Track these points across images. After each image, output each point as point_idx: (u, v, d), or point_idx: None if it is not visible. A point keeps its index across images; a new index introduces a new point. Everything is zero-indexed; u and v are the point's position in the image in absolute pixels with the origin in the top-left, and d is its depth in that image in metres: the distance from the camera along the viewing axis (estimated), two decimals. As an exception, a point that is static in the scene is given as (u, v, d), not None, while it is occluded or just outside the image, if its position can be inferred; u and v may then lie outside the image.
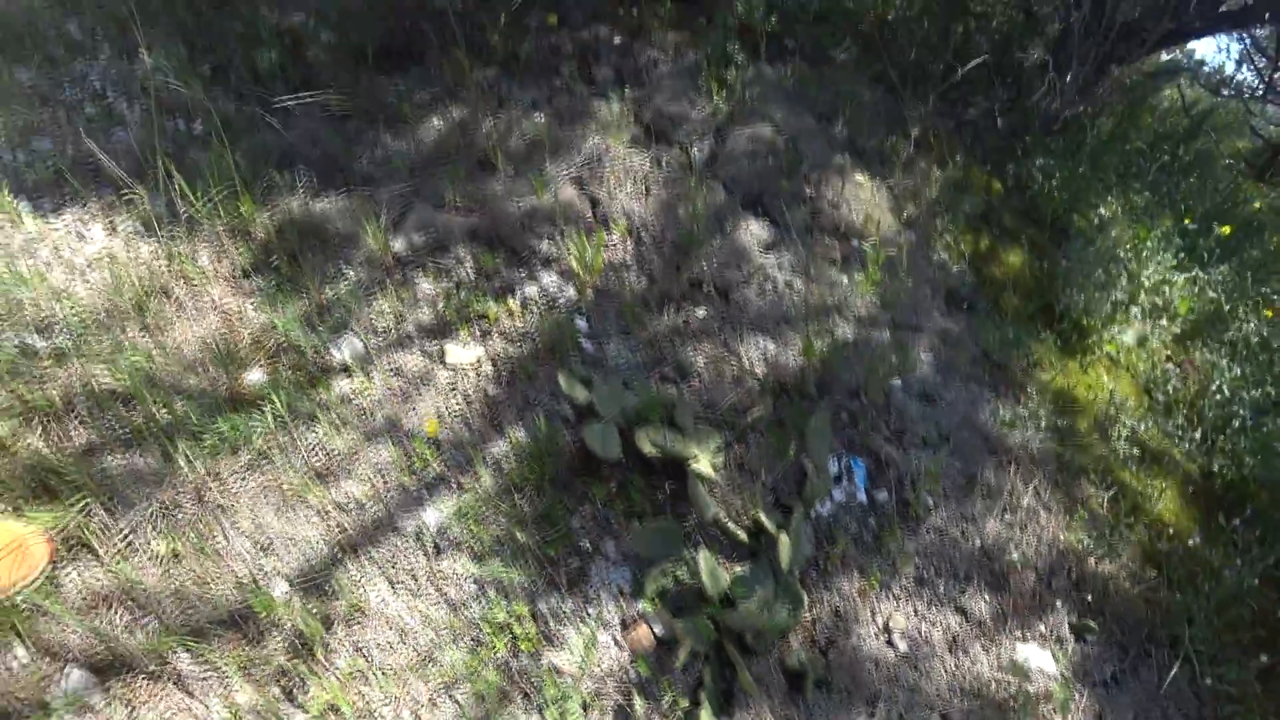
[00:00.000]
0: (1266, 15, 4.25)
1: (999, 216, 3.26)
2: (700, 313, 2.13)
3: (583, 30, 3.25)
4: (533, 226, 2.24)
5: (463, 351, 2.04)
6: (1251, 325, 3.19)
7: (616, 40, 3.21)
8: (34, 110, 2.73)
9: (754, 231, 2.38)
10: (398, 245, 2.29)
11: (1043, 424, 2.39)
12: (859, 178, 2.85)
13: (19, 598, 1.52)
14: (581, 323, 2.08)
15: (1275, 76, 5.86)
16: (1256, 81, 6.16)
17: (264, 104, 2.85)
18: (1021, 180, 3.58)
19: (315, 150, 2.55)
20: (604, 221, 2.31)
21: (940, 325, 2.51)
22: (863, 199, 2.76)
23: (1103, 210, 3.40)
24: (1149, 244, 3.14)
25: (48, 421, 1.82)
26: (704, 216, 2.34)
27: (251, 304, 2.18)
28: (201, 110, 2.72)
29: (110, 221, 2.32)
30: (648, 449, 1.78)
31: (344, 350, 2.09)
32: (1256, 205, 4.10)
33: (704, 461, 1.80)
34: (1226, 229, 3.30)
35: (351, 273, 2.24)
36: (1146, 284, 3.09)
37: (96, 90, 2.84)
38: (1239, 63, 6.62)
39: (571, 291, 2.12)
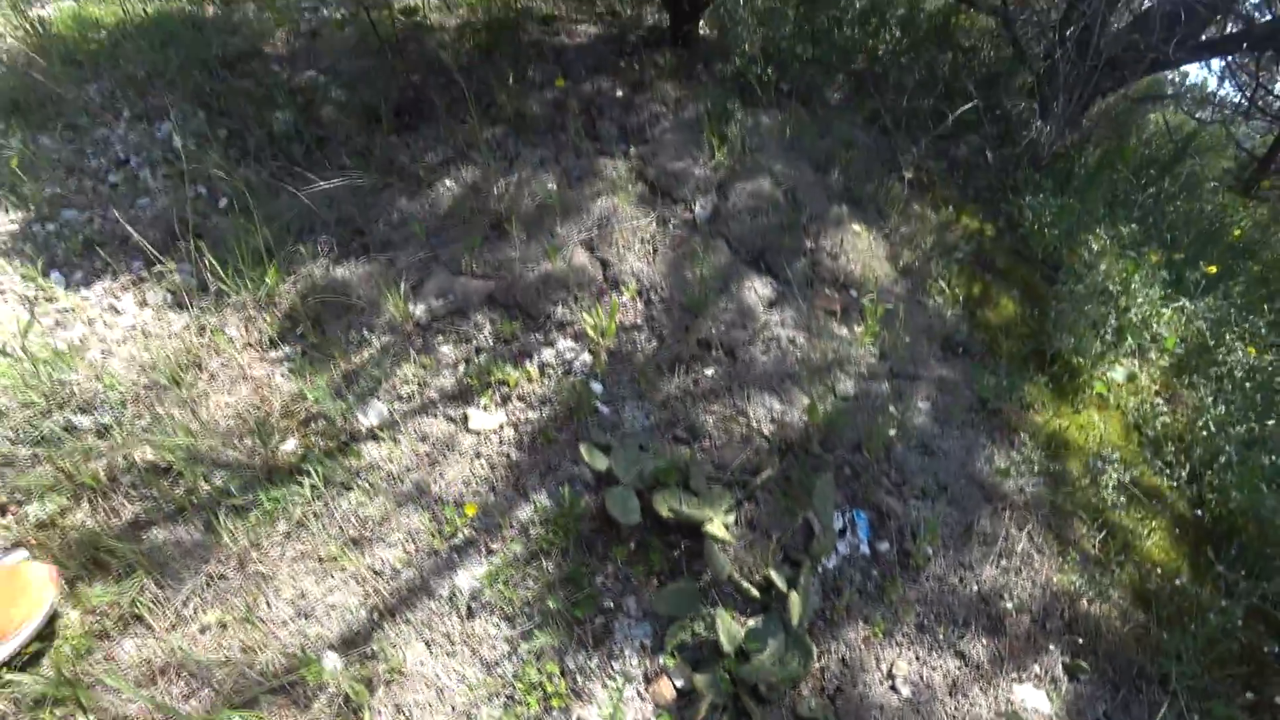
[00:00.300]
0: (1244, 44, 4.41)
1: (992, 258, 3.39)
2: (709, 373, 2.25)
3: (585, 84, 3.37)
4: (547, 292, 2.35)
5: (485, 417, 2.15)
6: (1238, 354, 3.32)
7: (619, 94, 3.33)
8: (60, 180, 2.84)
9: (757, 289, 2.49)
10: (418, 311, 2.40)
11: (1036, 469, 2.51)
12: (856, 227, 2.97)
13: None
14: (597, 386, 2.19)
15: (1258, 93, 6.02)
16: (1239, 97, 6.33)
17: (282, 168, 2.97)
18: (1013, 219, 3.71)
19: (334, 215, 2.66)
20: (615, 284, 2.43)
21: (937, 373, 2.63)
22: (860, 249, 2.88)
23: (1092, 243, 3.53)
24: (1137, 278, 3.28)
25: (95, 497, 1.93)
26: (710, 276, 2.45)
27: (281, 372, 2.28)
28: (221, 177, 2.83)
29: (141, 293, 2.43)
30: (665, 513, 1.89)
31: (371, 416, 2.20)
32: (1237, 233, 4.24)
33: (717, 523, 1.92)
34: (1212, 268, 3.43)
35: (375, 339, 2.35)
36: (1135, 319, 3.22)
37: (119, 158, 2.95)
38: (1221, 79, 6.80)
39: (586, 356, 2.23)
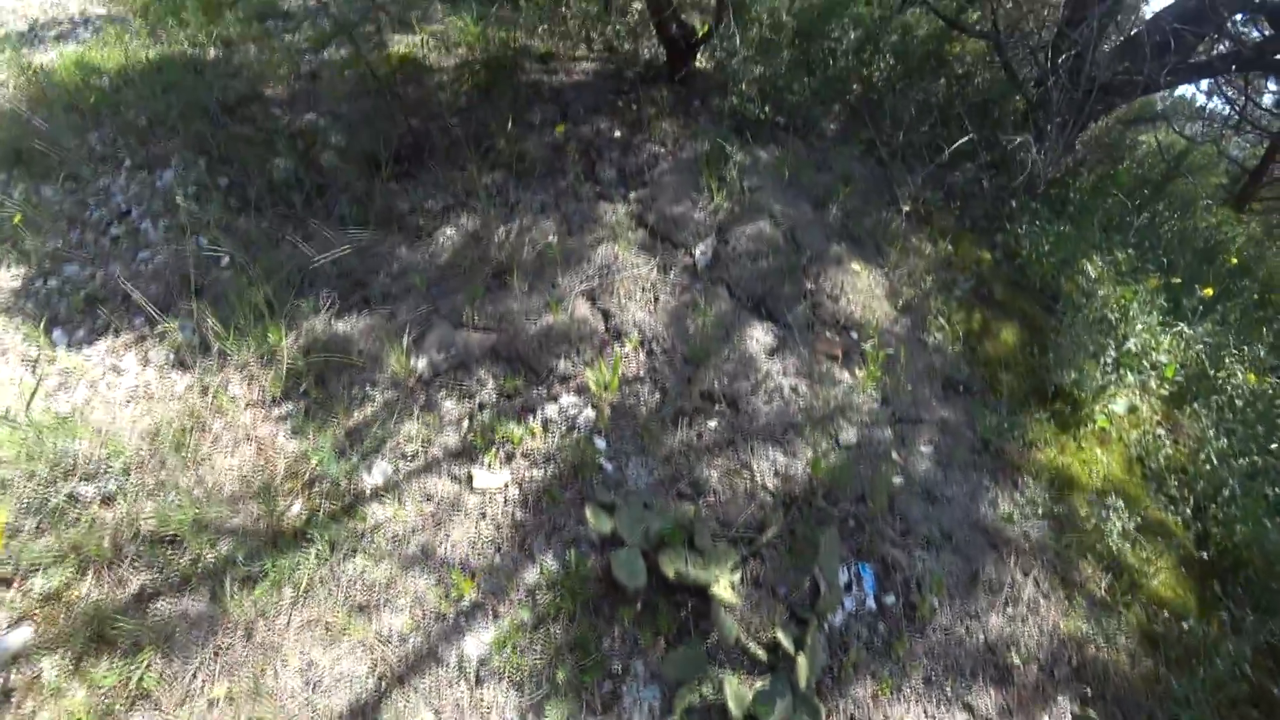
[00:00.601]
0: (1234, 65, 4.46)
1: (990, 289, 3.40)
2: (712, 425, 2.25)
3: (584, 125, 3.39)
4: (550, 345, 2.36)
5: (489, 477, 2.15)
6: (1237, 378, 3.33)
7: (617, 134, 3.35)
8: (62, 232, 2.85)
9: (759, 337, 2.50)
10: (420, 365, 2.40)
11: (1040, 510, 2.51)
12: (855, 266, 2.99)
13: None
14: (601, 442, 2.20)
15: (1248, 107, 6.07)
16: (1228, 110, 6.38)
17: (283, 216, 2.98)
18: (1010, 249, 3.73)
19: (335, 267, 2.67)
20: (617, 335, 2.44)
21: (939, 415, 2.63)
22: (860, 288, 2.89)
23: (1090, 270, 3.55)
24: (1134, 305, 3.30)
25: (101, 569, 1.93)
26: (711, 325, 2.46)
27: (284, 431, 2.28)
28: (221, 227, 2.84)
29: (144, 352, 2.43)
30: (671, 574, 1.89)
31: (376, 476, 2.20)
32: (1234, 260, 4.26)
33: (723, 583, 1.92)
34: (1209, 290, 3.45)
35: (378, 395, 2.36)
36: (1134, 348, 3.23)
37: (121, 209, 2.96)
38: (1209, 94, 6.86)
39: (590, 412, 2.24)
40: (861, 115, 4.28)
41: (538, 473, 2.16)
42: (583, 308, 2.48)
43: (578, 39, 4.08)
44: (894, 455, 2.40)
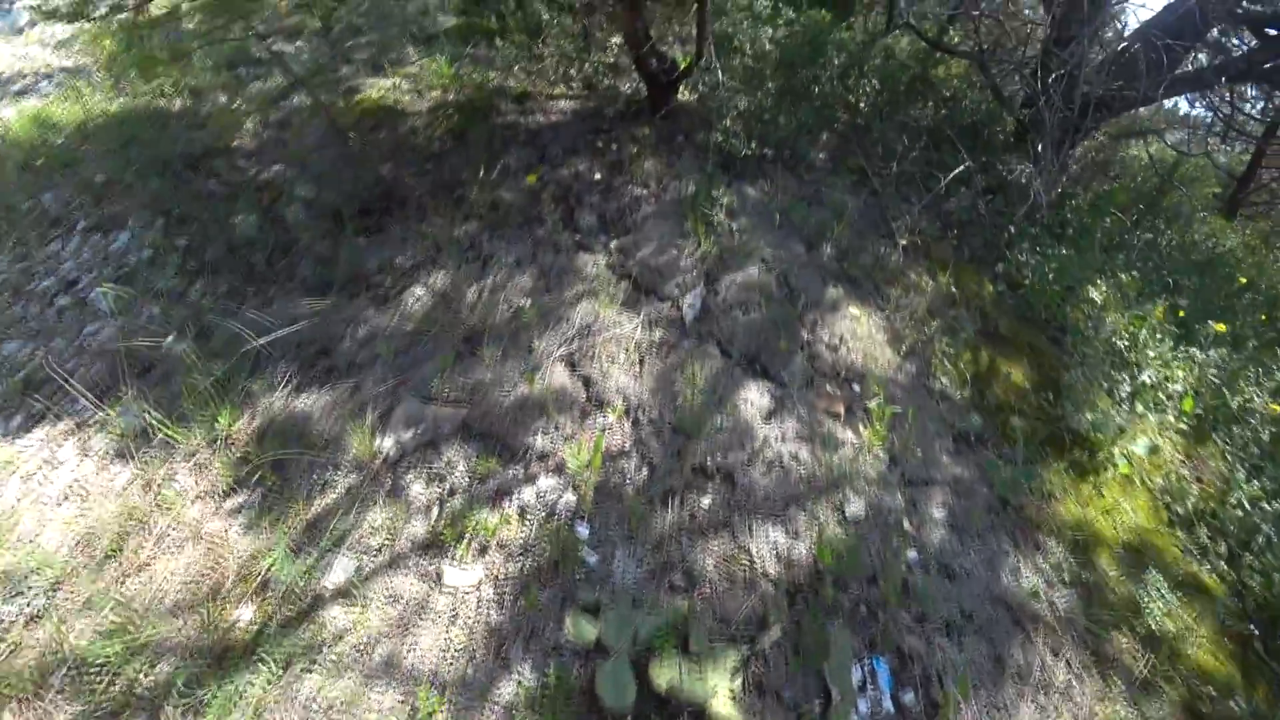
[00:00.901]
0: (1223, 78, 4.38)
1: (995, 324, 3.23)
2: (706, 504, 2.06)
3: (562, 167, 3.23)
4: (525, 420, 2.17)
5: (461, 574, 1.94)
6: (1258, 407, 3.15)
7: (597, 176, 3.19)
8: (4, 305, 2.67)
9: (754, 400, 2.31)
10: (386, 444, 2.21)
11: (1067, 577, 2.31)
12: (854, 310, 2.81)
13: None
14: (583, 530, 1.99)
15: (1234, 116, 5.96)
16: (1210, 117, 6.27)
17: (243, 277, 2.80)
18: (1011, 278, 3.57)
19: (296, 335, 2.48)
20: (599, 404, 2.25)
21: (951, 472, 2.44)
22: (860, 335, 2.71)
23: (1095, 296, 3.38)
24: (1144, 333, 3.13)
25: (22, 703, 1.71)
26: (701, 389, 2.28)
27: (236, 526, 2.08)
28: (175, 295, 2.67)
29: (84, 440, 2.24)
30: (664, 687, 1.68)
31: (337, 573, 1.99)
32: (1243, 280, 4.10)
33: (722, 697, 1.70)
34: (1221, 326, 3.28)
35: (340, 480, 2.16)
36: (1149, 381, 3.06)
37: (69, 278, 2.78)
38: (1191, 102, 6.77)
39: (571, 495, 2.04)
40: (851, 143, 4.14)
41: (514, 567, 1.95)
42: (561, 374, 2.29)
43: (556, 77, 3.94)
44: (905, 525, 2.20)
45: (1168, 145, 5.89)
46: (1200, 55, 4.82)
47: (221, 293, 2.74)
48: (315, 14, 2.49)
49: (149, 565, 1.97)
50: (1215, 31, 4.62)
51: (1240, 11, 4.15)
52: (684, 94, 4.03)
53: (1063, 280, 3.50)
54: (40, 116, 3.77)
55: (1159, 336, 3.16)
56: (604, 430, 2.17)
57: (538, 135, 3.46)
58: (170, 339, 2.38)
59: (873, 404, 2.40)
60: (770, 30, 4.18)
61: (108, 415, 2.18)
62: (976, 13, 4.77)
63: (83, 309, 2.65)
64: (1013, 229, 3.81)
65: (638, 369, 2.34)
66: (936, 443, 2.50)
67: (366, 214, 3.00)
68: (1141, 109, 6.55)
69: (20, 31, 4.94)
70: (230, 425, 2.19)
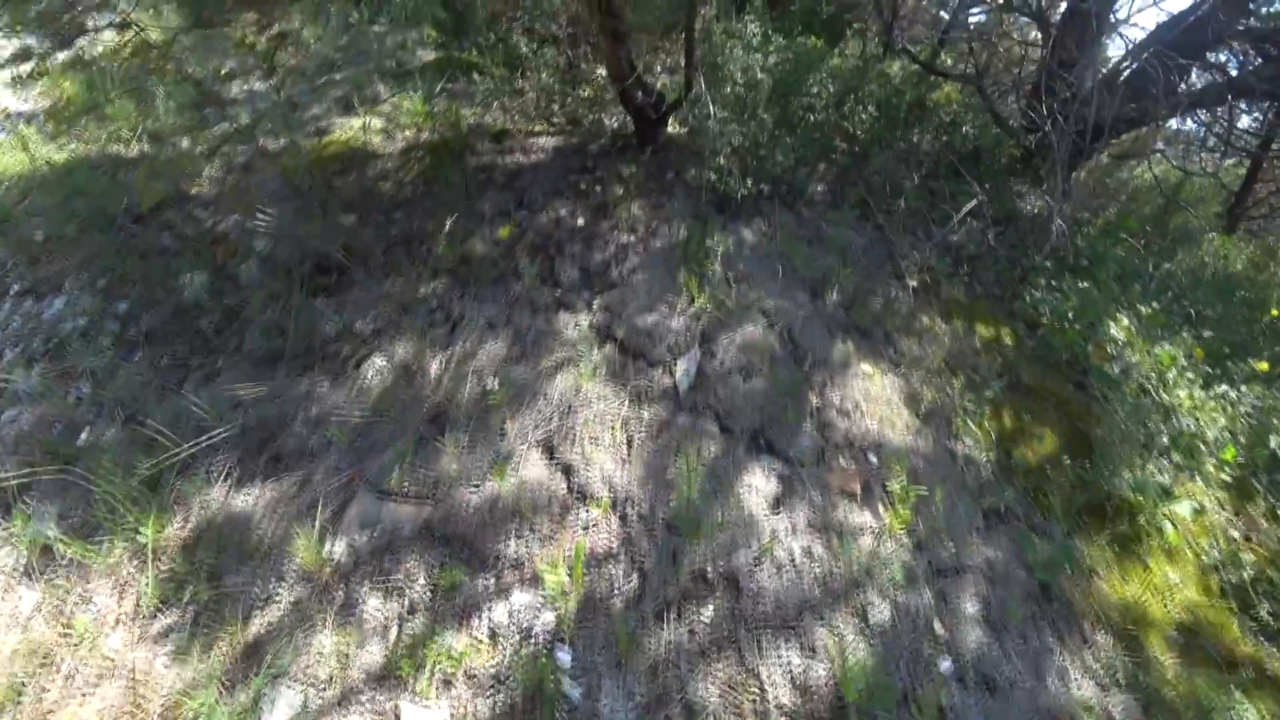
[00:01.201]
0: (1229, 96, 4.24)
1: (1018, 373, 2.96)
2: (706, 618, 1.77)
3: (541, 213, 2.98)
4: (497, 521, 1.89)
5: (423, 712, 1.65)
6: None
7: (580, 222, 2.94)
8: (-83, 390, 2.38)
9: (759, 486, 2.04)
10: (337, 549, 1.92)
11: (1121, 677, 2.02)
12: (866, 367, 2.55)
13: None
14: (564, 656, 1.70)
15: (1231, 133, 5.78)
16: (1203, 132, 6.09)
17: (188, 347, 2.53)
18: (1029, 318, 3.32)
19: (239, 417, 2.20)
20: (581, 496, 1.97)
21: (982, 555, 2.16)
22: (874, 396, 2.45)
23: (1116, 333, 3.12)
24: (1172, 373, 2.88)
25: None
26: (699, 475, 2.00)
27: (163, 655, 1.78)
28: (109, 370, 2.39)
29: (-10, 555, 1.94)
30: None
31: (279, 711, 1.69)
32: (1276, 312, 3.85)
33: None
34: (1264, 365, 3.02)
35: (284, 593, 1.87)
36: (1186, 430, 2.79)
37: (-8, 354, 2.50)
38: (1182, 118, 6.62)
39: (549, 614, 1.75)
40: (850, 174, 3.91)
41: (484, 704, 1.66)
42: (537, 462, 2.01)
43: (536, 113, 3.71)
44: (937, 627, 1.91)
45: (1174, 165, 5.71)
46: (1195, 74, 4.68)
47: (163, 365, 2.47)
48: (262, 61, 2.24)
49: (53, 714, 1.66)
50: (1220, 50, 4.49)
51: (1242, 29, 4.01)
52: (673, 127, 3.80)
53: (1083, 317, 3.25)
54: (-19, 168, 3.52)
55: (1189, 376, 2.91)
56: (587, 530, 1.89)
57: (516, 177, 3.22)
58: (85, 434, 2.10)
59: (895, 485, 2.13)
60: (761, 58, 3.97)
61: (13, 528, 1.89)
62: (967, 34, 4.59)
63: (3, 390, 2.37)
64: (1026, 263, 3.57)
65: (625, 452, 2.06)
66: (964, 521, 2.23)
67: (324, 271, 2.73)
68: (1140, 128, 6.42)
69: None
70: (158, 533, 1.90)
